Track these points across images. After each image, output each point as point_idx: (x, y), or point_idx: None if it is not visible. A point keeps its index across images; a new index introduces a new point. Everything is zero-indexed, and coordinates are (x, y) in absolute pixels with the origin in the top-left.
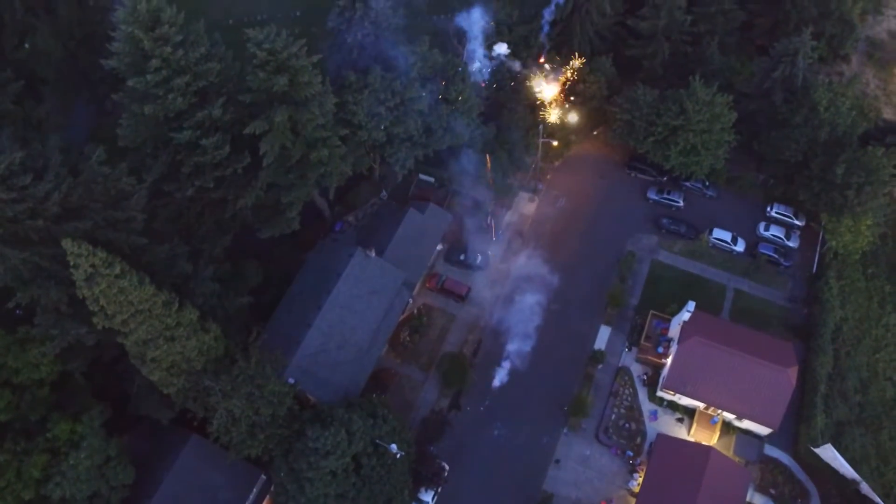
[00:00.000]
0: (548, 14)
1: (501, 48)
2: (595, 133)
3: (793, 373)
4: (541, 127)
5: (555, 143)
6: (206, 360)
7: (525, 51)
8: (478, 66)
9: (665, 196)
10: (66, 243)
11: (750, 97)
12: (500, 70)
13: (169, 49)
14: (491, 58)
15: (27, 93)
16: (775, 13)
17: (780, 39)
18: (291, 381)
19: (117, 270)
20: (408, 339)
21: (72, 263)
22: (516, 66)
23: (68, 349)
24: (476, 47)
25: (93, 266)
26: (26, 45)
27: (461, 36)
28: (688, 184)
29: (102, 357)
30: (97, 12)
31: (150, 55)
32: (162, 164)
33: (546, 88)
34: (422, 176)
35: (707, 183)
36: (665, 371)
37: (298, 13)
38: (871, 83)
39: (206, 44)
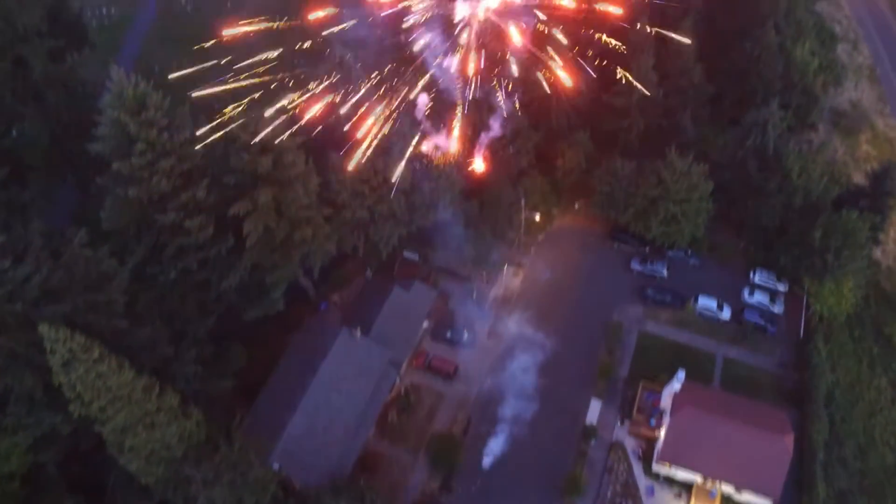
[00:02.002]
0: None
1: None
2: (577, 206)
3: (789, 440)
4: (523, 201)
5: (537, 217)
6: (187, 447)
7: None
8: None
9: (649, 266)
10: (44, 328)
11: (725, 166)
12: None
13: (154, 132)
14: None
15: (12, 177)
16: (743, 86)
17: (750, 111)
18: (276, 466)
19: (96, 355)
20: (396, 419)
21: (49, 349)
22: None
23: (41, 439)
24: None
25: (70, 351)
26: (13, 133)
27: None
28: (671, 253)
29: (78, 446)
30: (85, 98)
31: (135, 139)
32: (145, 247)
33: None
34: (406, 253)
35: (689, 251)
36: (659, 444)
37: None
38: (838, 150)
39: (191, 127)
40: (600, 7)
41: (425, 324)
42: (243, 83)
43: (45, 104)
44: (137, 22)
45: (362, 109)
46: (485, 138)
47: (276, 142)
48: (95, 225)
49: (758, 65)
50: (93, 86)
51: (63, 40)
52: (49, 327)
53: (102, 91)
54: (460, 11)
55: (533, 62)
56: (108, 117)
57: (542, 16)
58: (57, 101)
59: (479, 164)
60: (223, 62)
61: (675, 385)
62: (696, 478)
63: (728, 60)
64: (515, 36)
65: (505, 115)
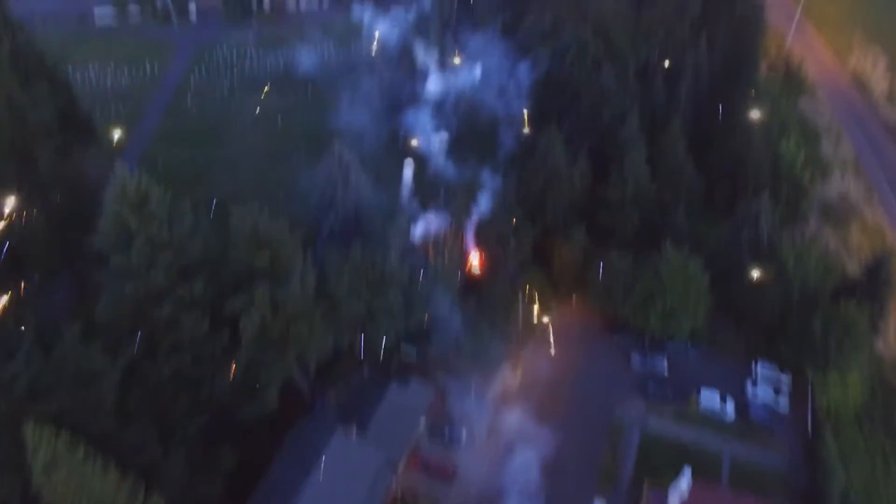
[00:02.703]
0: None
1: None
2: (574, 300)
3: None
4: (520, 296)
5: (535, 312)
6: None
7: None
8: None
9: (649, 360)
10: (28, 429)
11: (721, 258)
12: None
13: (154, 227)
14: None
15: (9, 271)
16: (734, 179)
17: (742, 203)
18: None
19: (80, 455)
20: None
21: (31, 449)
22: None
23: None
24: None
25: (54, 452)
26: (15, 226)
27: None
28: (670, 345)
29: None
30: (88, 193)
31: (135, 234)
32: (138, 342)
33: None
34: (404, 349)
35: (689, 344)
36: None
37: (283, 190)
38: (831, 241)
39: (191, 222)
40: None
41: (423, 422)
42: None
43: (49, 199)
44: (145, 119)
45: None
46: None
47: (275, 237)
48: (90, 319)
49: (746, 160)
50: (97, 181)
51: (71, 137)
52: (34, 428)
53: (106, 186)
54: None
55: None
56: (110, 212)
57: None
58: (60, 197)
59: (476, 260)
60: None
61: (682, 484)
62: None
63: (717, 155)
64: None
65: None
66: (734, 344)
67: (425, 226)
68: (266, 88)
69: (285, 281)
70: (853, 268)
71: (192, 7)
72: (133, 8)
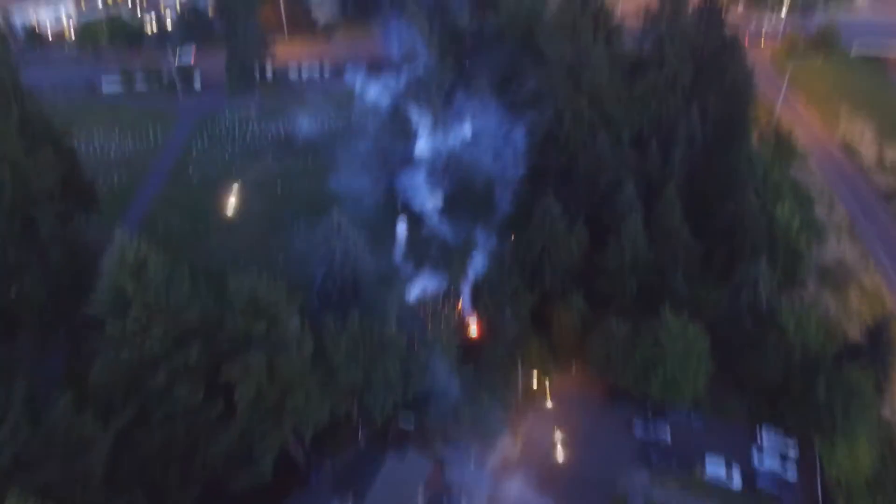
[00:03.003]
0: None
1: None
2: (574, 366)
3: None
4: (520, 364)
5: (535, 380)
6: None
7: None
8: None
9: (651, 428)
10: (12, 499)
11: (721, 324)
12: None
13: (152, 294)
14: None
15: (2, 334)
16: (730, 245)
17: (740, 268)
18: None
19: None
20: None
21: None
22: None
23: None
24: None
25: None
26: (12, 290)
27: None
28: (673, 412)
29: None
30: (87, 259)
31: (131, 300)
32: (131, 410)
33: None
34: (401, 420)
35: (692, 411)
36: None
37: (281, 257)
38: (830, 305)
39: (189, 289)
40: None
41: (421, 493)
42: None
43: (48, 264)
44: (146, 187)
45: None
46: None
47: (272, 305)
48: (82, 385)
49: (742, 224)
50: (96, 246)
51: (73, 202)
52: (18, 498)
53: (104, 252)
54: None
55: None
56: (107, 278)
57: None
58: (59, 262)
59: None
60: None
61: None
62: None
63: (713, 220)
64: None
65: None
66: (738, 409)
67: (422, 287)
68: (235, 187)
69: (282, 348)
70: (854, 332)
71: (197, 77)
72: (139, 77)
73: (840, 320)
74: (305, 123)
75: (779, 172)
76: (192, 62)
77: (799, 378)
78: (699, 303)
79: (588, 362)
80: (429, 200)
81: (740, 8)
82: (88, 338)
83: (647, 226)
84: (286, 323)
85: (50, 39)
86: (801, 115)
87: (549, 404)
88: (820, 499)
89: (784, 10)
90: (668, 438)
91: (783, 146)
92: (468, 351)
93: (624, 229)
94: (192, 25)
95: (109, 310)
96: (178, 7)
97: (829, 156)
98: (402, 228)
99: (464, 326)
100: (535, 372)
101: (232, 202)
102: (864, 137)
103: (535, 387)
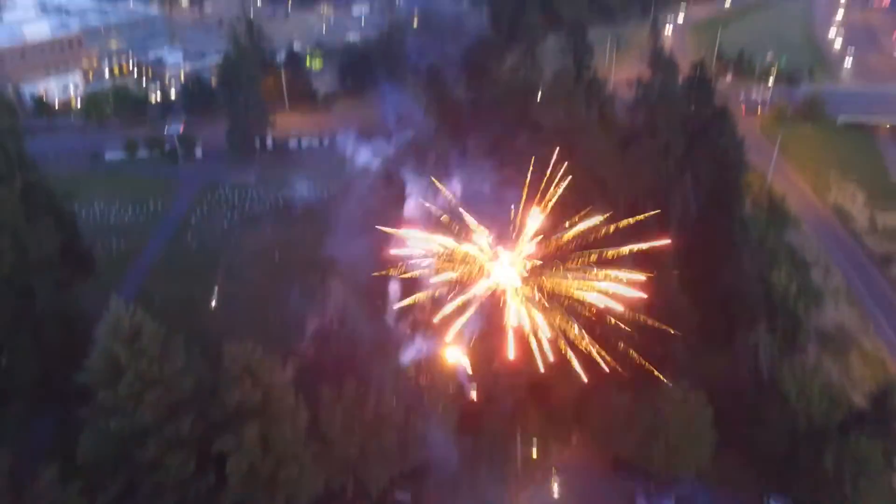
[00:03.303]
0: None
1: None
2: (574, 437)
3: None
4: (518, 436)
5: (534, 452)
6: None
7: None
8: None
9: (655, 502)
10: None
11: (722, 393)
12: None
13: (145, 363)
14: None
15: None
16: (728, 312)
17: (739, 335)
18: None
19: None
20: None
21: None
22: None
23: None
24: None
25: None
26: (3, 359)
27: None
28: (678, 484)
29: None
30: (82, 327)
31: (124, 369)
32: (119, 484)
33: None
34: (397, 492)
35: (697, 482)
36: None
37: (278, 327)
38: (833, 371)
39: (183, 359)
40: None
41: None
42: None
43: (42, 333)
44: (145, 254)
45: None
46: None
47: (267, 376)
48: (70, 458)
49: (739, 291)
50: (92, 314)
51: (71, 270)
52: None
53: (99, 321)
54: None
55: None
56: (101, 346)
57: None
58: (55, 329)
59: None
60: None
61: None
62: None
63: (710, 288)
64: None
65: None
66: (744, 479)
67: (417, 351)
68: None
69: (276, 420)
70: (859, 398)
71: (199, 146)
72: (142, 145)
73: (844, 387)
74: (304, 190)
75: (773, 238)
76: (181, 132)
77: (805, 447)
78: (699, 371)
79: (588, 433)
80: (423, 262)
81: (728, 78)
82: (79, 407)
83: (645, 293)
84: (281, 393)
85: (57, 108)
86: (793, 182)
87: (548, 476)
88: None
89: (771, 80)
90: None
91: (777, 212)
92: (466, 419)
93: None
94: (195, 95)
95: (102, 379)
96: (182, 77)
97: (822, 221)
98: (395, 290)
99: (461, 393)
100: (534, 441)
101: (230, 271)
102: (855, 203)
103: (534, 456)
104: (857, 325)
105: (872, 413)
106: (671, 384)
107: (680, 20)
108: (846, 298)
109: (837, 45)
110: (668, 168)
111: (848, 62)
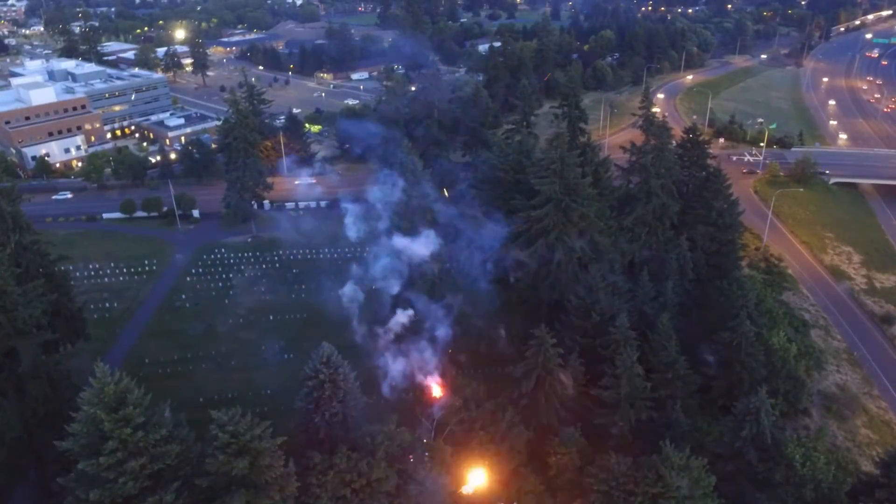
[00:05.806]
0: None
1: None
2: None
3: None
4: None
5: None
6: None
7: None
8: None
9: None
10: None
11: (724, 457)
12: None
13: (129, 430)
14: None
15: None
16: (728, 374)
17: (740, 399)
18: None
19: None
20: None
21: None
22: None
23: None
24: None
25: None
26: None
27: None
28: None
29: None
30: (66, 391)
31: (108, 436)
32: None
33: None
34: None
35: None
36: None
37: (269, 391)
38: (837, 436)
39: (169, 426)
40: None
41: None
42: None
43: (26, 397)
44: (137, 316)
45: None
46: None
47: (255, 443)
48: None
49: (739, 353)
50: (77, 377)
51: (59, 332)
52: None
53: (85, 385)
54: None
55: None
56: (85, 413)
57: None
58: (37, 395)
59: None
60: None
61: None
62: None
63: (709, 350)
64: None
65: None
66: None
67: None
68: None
69: (264, 489)
70: (866, 463)
71: (196, 208)
72: (140, 206)
73: (850, 451)
74: (300, 253)
75: (772, 299)
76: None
77: None
78: (701, 436)
79: (588, 501)
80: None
81: (721, 141)
82: (60, 475)
83: (643, 357)
84: (269, 461)
85: (58, 168)
86: (788, 244)
87: None
88: None
89: (763, 143)
90: None
91: (774, 273)
92: (461, 489)
93: (619, 362)
94: (194, 158)
95: (83, 447)
96: (182, 140)
97: (819, 281)
98: (389, 358)
99: (457, 460)
100: None
101: (222, 333)
102: (851, 264)
103: None
104: (861, 387)
105: (882, 480)
106: (671, 449)
107: (671, 86)
108: (848, 359)
109: (825, 110)
110: (664, 231)
111: (834, 126)
